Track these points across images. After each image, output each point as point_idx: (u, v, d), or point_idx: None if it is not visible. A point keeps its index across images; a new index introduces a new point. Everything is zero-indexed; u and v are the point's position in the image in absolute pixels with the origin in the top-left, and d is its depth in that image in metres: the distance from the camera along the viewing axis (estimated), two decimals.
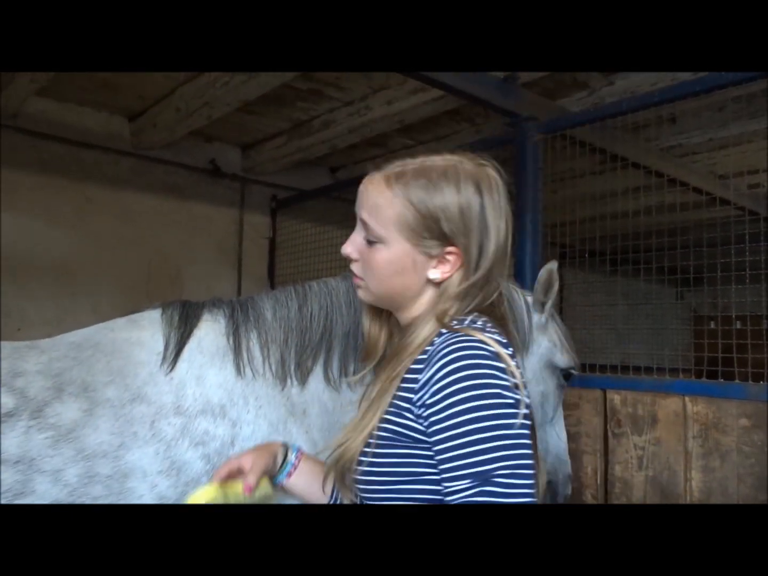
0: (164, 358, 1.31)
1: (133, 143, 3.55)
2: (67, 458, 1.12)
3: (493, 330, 0.90)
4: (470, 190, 0.93)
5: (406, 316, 1.00)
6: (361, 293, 1.03)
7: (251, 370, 1.34)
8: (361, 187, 0.99)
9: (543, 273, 1.72)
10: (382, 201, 0.95)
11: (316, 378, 1.39)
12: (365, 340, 1.13)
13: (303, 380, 1.37)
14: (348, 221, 3.79)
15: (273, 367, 1.36)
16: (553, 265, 1.73)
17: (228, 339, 1.37)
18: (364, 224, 0.97)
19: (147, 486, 1.16)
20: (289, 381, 1.36)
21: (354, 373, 1.41)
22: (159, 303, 1.45)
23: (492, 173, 0.97)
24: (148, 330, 1.36)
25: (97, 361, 1.27)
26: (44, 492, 1.08)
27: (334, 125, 3.46)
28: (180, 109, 3.15)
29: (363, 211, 0.97)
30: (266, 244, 4.11)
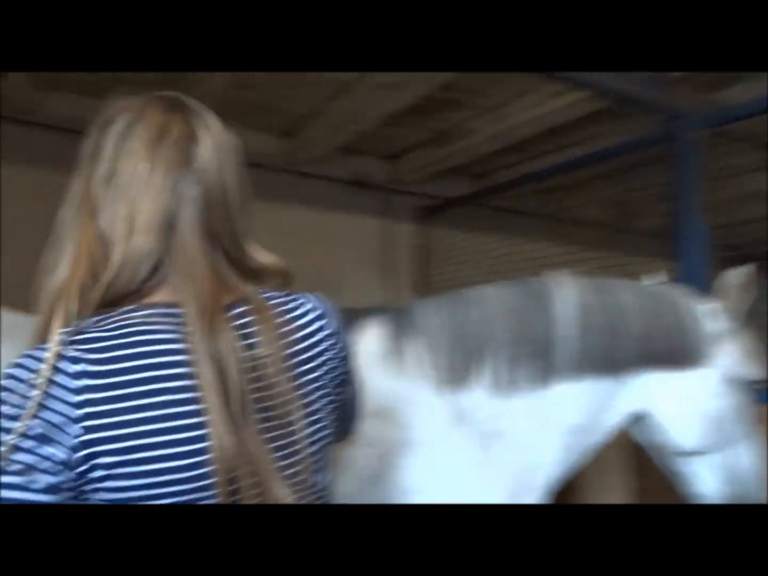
0: None
1: (285, 160, 3.76)
2: None
3: None
4: None
5: None
6: None
7: (416, 375, 1.37)
8: None
9: (735, 277, 1.58)
10: None
11: (482, 384, 1.39)
12: None
13: (468, 386, 1.38)
14: (493, 228, 3.74)
15: (437, 373, 1.38)
16: (748, 270, 1.58)
17: (391, 344, 1.41)
18: None
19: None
20: (453, 387, 1.37)
21: (519, 380, 1.39)
22: None
23: None
24: None
25: None
26: None
27: (476, 132, 3.46)
28: (328, 126, 3.30)
29: None
30: (414, 254, 4.17)
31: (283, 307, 0.86)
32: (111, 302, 0.77)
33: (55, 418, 0.68)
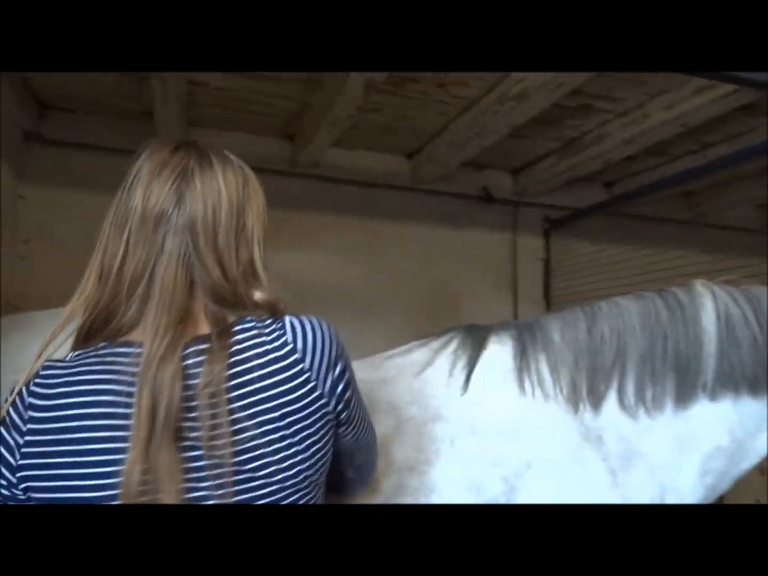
0: (457, 380, 1.37)
1: (411, 179, 3.83)
2: (381, 470, 1.23)
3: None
4: None
5: None
6: None
7: (541, 393, 1.34)
8: None
9: None
10: None
11: (610, 403, 1.33)
12: None
13: (596, 405, 1.32)
14: (628, 238, 3.56)
15: (564, 391, 1.34)
16: None
17: (516, 361, 1.38)
18: None
19: (449, 501, 1.21)
20: (581, 405, 1.33)
21: (652, 399, 1.32)
22: (448, 328, 1.53)
23: None
24: (440, 353, 1.44)
25: (399, 382, 1.38)
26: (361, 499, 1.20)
27: (608, 138, 3.32)
28: (453, 143, 3.31)
29: None
30: (541, 266, 4.08)
31: (256, 340, 0.84)
32: (92, 337, 0.85)
33: (11, 443, 0.80)
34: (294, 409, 0.82)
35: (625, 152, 3.42)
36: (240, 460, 0.79)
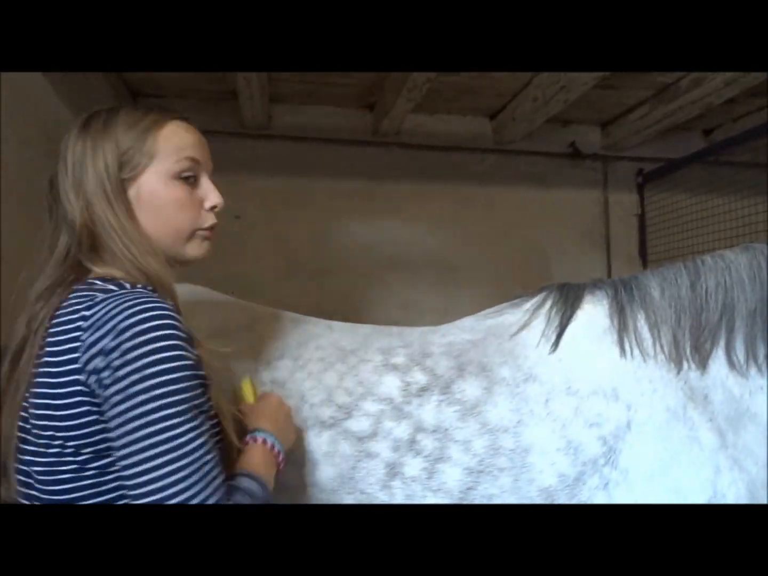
0: (549, 340, 1.35)
1: (494, 140, 3.74)
2: (474, 430, 1.23)
3: None
4: None
5: None
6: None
7: (640, 352, 1.29)
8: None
9: None
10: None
11: (718, 361, 1.26)
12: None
13: (702, 363, 1.26)
14: (730, 188, 3.35)
15: (665, 349, 1.28)
16: None
17: (613, 320, 1.34)
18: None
19: (546, 462, 1.20)
20: (685, 364, 1.27)
21: (765, 357, 1.24)
22: (540, 287, 1.49)
23: None
24: (532, 314, 1.42)
25: (490, 343, 1.37)
26: (458, 459, 1.21)
27: (706, 81, 3.10)
28: (537, 99, 3.20)
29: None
30: (635, 222, 3.90)
31: (66, 308, 0.90)
32: None
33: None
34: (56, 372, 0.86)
35: (725, 95, 3.19)
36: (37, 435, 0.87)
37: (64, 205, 0.94)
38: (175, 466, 0.80)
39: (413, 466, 1.21)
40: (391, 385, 1.29)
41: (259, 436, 1.04)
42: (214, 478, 0.83)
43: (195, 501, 0.79)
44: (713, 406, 1.24)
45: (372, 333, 1.45)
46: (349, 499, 1.21)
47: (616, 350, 1.29)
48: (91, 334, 0.83)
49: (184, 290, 1.47)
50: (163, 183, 0.98)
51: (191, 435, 0.82)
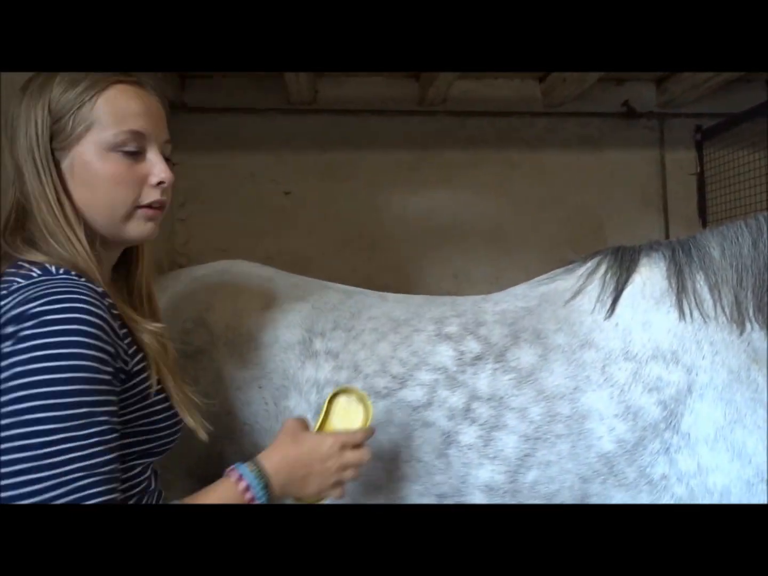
0: (605, 305, 1.32)
1: (544, 103, 3.64)
2: (530, 398, 1.23)
3: None
4: None
5: None
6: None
7: (701, 313, 1.25)
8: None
9: None
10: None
11: None
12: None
13: (766, 324, 1.22)
14: None
15: (727, 311, 1.24)
16: None
17: (671, 282, 1.30)
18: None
19: (605, 428, 1.19)
20: (748, 325, 1.23)
21: None
22: (594, 252, 1.46)
23: None
24: (586, 279, 1.39)
25: (544, 310, 1.36)
26: (514, 426, 1.21)
27: None
28: None
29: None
30: (693, 181, 3.75)
31: None
32: None
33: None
34: None
35: None
36: None
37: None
38: (30, 465, 0.73)
39: (469, 434, 1.22)
40: (444, 354, 1.30)
41: (238, 473, 0.91)
42: (76, 480, 0.75)
43: (38, 499, 0.73)
44: None
45: (424, 303, 1.45)
46: (405, 468, 1.23)
47: (675, 313, 1.26)
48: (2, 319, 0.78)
49: (228, 266, 1.51)
50: (99, 155, 0.88)
51: (58, 437, 0.74)
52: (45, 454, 0.74)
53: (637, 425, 1.19)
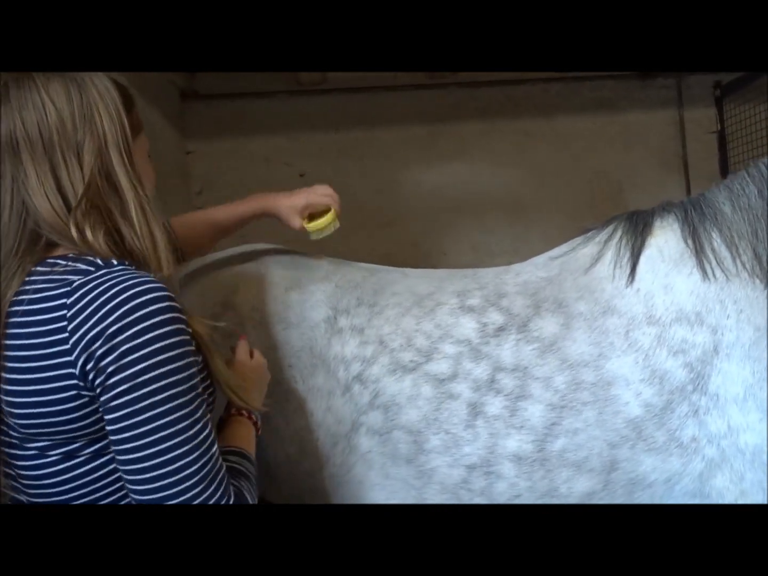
0: (624, 271, 1.32)
1: None
2: (554, 367, 1.23)
3: None
4: None
5: None
6: None
7: (722, 271, 1.24)
8: None
9: None
10: None
11: None
12: None
13: None
14: None
15: (748, 266, 1.23)
16: None
17: (687, 243, 1.29)
18: None
19: (632, 394, 1.20)
20: None
21: None
22: (610, 218, 1.45)
23: None
24: (604, 245, 1.39)
25: (564, 279, 1.36)
26: (539, 395, 1.22)
27: None
28: None
29: None
30: (714, 140, 3.68)
31: (37, 285, 0.81)
32: None
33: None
34: (37, 367, 0.78)
35: None
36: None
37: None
38: (182, 462, 0.75)
39: (495, 405, 1.23)
40: (468, 326, 1.30)
41: (253, 415, 1.07)
42: (218, 474, 0.79)
43: (197, 501, 0.76)
44: None
45: (446, 276, 1.46)
46: (435, 440, 1.25)
47: (696, 273, 1.25)
48: (81, 321, 0.77)
49: (250, 250, 1.53)
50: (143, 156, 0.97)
51: (198, 427, 0.78)
52: (191, 449, 0.77)
53: (664, 389, 1.19)
